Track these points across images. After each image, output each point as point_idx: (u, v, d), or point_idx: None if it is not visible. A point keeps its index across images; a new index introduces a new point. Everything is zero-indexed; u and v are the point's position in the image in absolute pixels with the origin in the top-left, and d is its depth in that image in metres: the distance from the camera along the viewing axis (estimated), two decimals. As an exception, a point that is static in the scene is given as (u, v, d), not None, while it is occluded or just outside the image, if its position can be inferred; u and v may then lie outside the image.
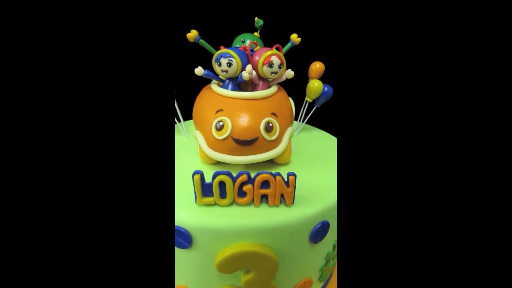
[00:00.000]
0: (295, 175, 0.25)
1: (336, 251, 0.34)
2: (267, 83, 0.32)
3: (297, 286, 0.30)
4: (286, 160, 0.32)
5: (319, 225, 0.26)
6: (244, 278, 0.26)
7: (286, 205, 0.26)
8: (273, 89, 0.31)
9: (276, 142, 0.29)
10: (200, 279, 0.28)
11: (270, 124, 0.28)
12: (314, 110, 0.41)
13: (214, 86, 0.32)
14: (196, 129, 0.32)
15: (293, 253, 0.27)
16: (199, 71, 0.31)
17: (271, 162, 0.32)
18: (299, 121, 0.41)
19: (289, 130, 0.31)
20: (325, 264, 0.32)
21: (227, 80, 0.31)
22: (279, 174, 0.25)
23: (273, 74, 0.30)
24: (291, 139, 0.32)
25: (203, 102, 0.32)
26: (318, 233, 0.27)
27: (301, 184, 0.26)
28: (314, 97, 0.38)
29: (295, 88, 0.39)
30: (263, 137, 0.28)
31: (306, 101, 0.39)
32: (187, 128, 0.39)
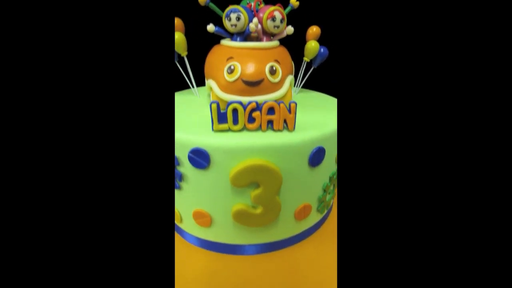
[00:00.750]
0: (296, 103, 0.30)
1: (332, 185, 0.39)
2: (270, 38, 0.37)
3: (298, 209, 0.35)
4: (288, 105, 0.38)
5: (316, 149, 0.31)
6: (254, 193, 0.31)
7: (288, 130, 0.31)
8: (276, 42, 0.37)
9: (279, 85, 0.35)
10: (216, 200, 0.33)
11: (274, 68, 0.33)
12: (315, 78, 0.47)
13: (224, 41, 0.37)
14: (208, 79, 0.37)
15: (295, 174, 0.32)
16: (210, 27, 0.36)
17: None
18: (299, 78, 0.46)
19: (289, 78, 0.36)
20: (323, 194, 0.37)
21: (235, 35, 0.36)
22: (282, 102, 0.30)
23: (275, 28, 0.35)
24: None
25: (215, 54, 0.37)
26: (315, 156, 0.32)
27: (302, 119, 0.31)
28: (311, 56, 0.43)
29: (294, 50, 0.44)
30: (268, 79, 0.33)
31: (304, 61, 0.44)
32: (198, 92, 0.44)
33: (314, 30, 0.43)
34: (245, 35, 0.35)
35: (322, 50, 0.44)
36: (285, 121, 0.30)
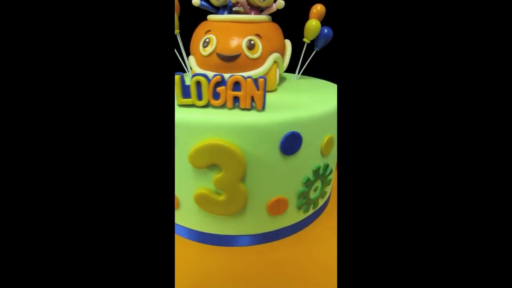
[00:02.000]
0: (265, 79, 0.26)
1: (320, 181, 0.34)
2: (258, 12, 0.34)
3: (271, 202, 0.31)
4: (271, 87, 0.34)
5: (288, 134, 0.27)
6: (215, 177, 0.28)
7: (257, 110, 0.27)
8: (262, 17, 0.33)
9: (260, 62, 0.31)
10: (179, 180, 0.31)
11: (252, 42, 0.30)
12: (316, 63, 0.42)
13: (209, 15, 0.34)
14: (190, 55, 0.35)
15: (263, 160, 0.28)
16: (195, 1, 0.34)
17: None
18: (299, 64, 0.42)
19: (274, 55, 0.32)
20: (304, 190, 0.32)
21: (221, 9, 0.34)
22: (250, 77, 0.26)
23: (261, 1, 0.32)
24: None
25: (197, 29, 0.35)
26: (287, 143, 0.28)
27: (280, 100, 0.27)
28: (311, 37, 0.39)
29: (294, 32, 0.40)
30: (245, 55, 0.30)
31: (305, 43, 0.40)
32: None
33: (318, 9, 0.38)
34: (228, 8, 0.33)
35: (326, 30, 0.39)
36: (252, 99, 0.27)
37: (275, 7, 0.34)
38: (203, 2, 0.34)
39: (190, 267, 0.31)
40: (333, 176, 0.39)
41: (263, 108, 0.27)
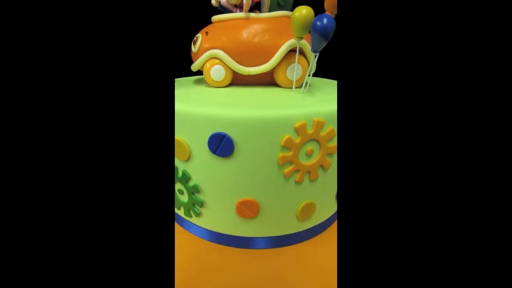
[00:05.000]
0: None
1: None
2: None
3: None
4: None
5: (213, 134, 0.27)
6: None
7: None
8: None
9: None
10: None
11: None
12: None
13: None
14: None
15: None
16: (214, 2, 0.37)
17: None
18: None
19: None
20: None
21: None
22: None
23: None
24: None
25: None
26: (213, 142, 0.28)
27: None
28: (298, 33, 0.32)
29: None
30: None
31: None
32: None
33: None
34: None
35: (319, 23, 0.34)
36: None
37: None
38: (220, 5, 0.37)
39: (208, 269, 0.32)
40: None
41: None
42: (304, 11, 0.29)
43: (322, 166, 0.31)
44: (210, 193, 0.32)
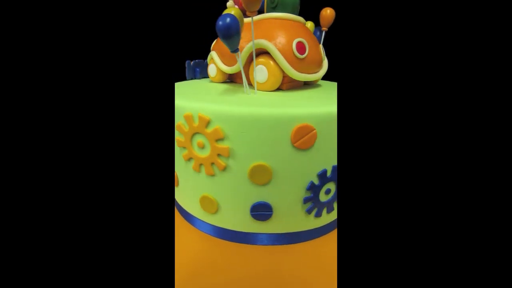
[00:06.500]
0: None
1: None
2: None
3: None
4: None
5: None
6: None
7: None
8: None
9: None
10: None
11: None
12: None
13: None
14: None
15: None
16: (230, 3, 0.44)
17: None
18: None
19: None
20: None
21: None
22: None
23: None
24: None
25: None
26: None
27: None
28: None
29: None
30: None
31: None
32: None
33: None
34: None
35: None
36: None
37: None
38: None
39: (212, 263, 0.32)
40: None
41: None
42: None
43: (215, 164, 0.31)
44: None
